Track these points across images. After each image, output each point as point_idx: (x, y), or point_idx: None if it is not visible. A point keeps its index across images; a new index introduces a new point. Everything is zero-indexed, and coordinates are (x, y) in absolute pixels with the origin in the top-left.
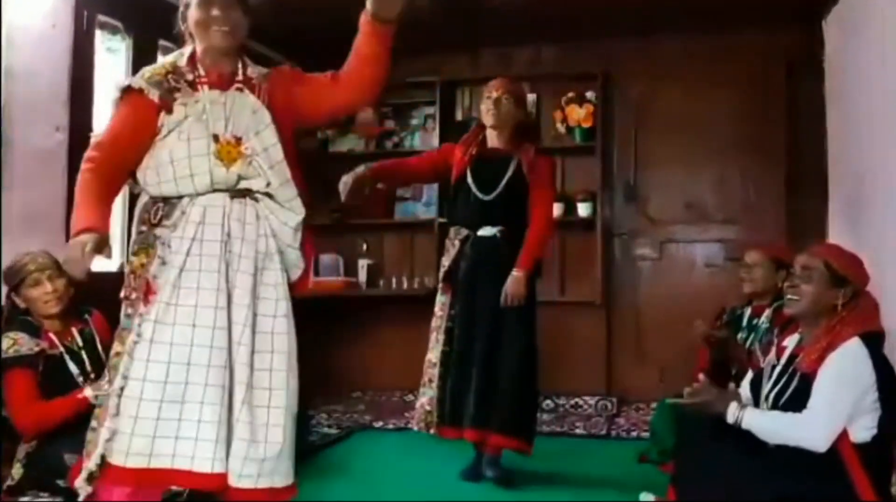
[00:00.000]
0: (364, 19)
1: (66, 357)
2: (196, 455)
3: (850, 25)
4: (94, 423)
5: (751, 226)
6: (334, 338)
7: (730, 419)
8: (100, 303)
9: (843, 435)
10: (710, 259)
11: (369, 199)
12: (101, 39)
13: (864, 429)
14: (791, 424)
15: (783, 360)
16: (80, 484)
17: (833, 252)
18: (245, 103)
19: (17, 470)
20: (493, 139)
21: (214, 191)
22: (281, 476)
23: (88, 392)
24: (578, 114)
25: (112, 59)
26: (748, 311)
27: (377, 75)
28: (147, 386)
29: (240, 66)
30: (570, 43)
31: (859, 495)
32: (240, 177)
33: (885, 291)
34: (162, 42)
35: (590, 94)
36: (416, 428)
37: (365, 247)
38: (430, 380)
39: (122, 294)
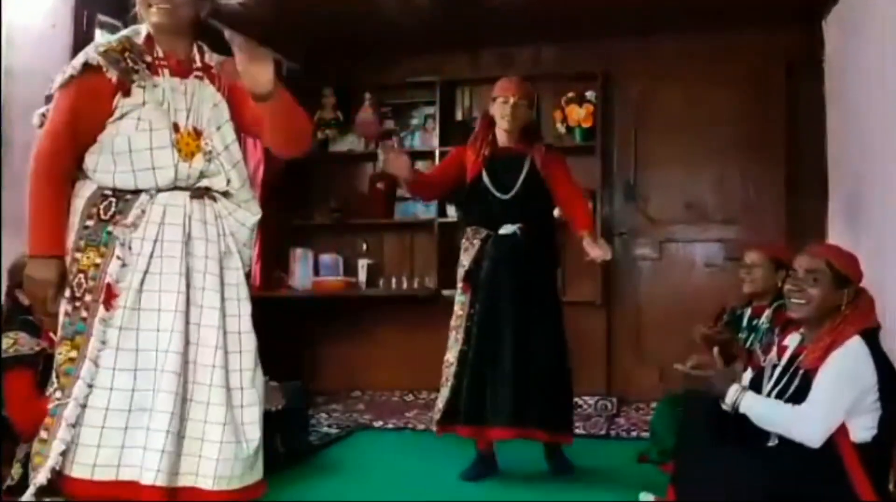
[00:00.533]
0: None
1: None
2: (160, 468)
3: (851, 25)
4: (43, 434)
5: (750, 226)
6: (334, 338)
7: (729, 400)
8: None
9: (844, 434)
10: (709, 259)
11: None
12: (101, 38)
13: (864, 429)
14: (788, 415)
15: (784, 360)
16: (28, 498)
17: (833, 252)
18: (205, 94)
19: (16, 471)
20: (503, 139)
21: (175, 188)
22: (257, 473)
23: None
24: (578, 113)
25: None
26: (748, 312)
27: (290, 133)
28: (114, 394)
29: (196, 51)
30: (570, 43)
31: (859, 495)
32: (201, 174)
33: (885, 290)
34: None
35: (590, 94)
36: (434, 430)
37: (365, 246)
38: (447, 380)
39: (66, 293)
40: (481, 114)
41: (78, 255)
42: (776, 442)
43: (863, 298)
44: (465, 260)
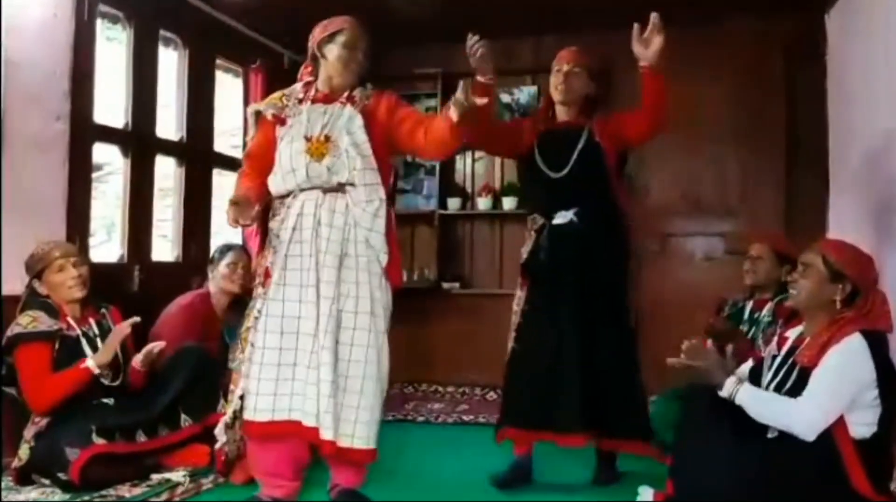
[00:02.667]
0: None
1: (83, 341)
2: (307, 410)
3: (853, 18)
4: (231, 386)
5: (750, 220)
6: None
7: (724, 392)
8: (105, 294)
9: (843, 430)
10: (709, 252)
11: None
12: (102, 28)
13: (863, 425)
14: (784, 409)
15: (783, 351)
16: (218, 431)
17: (834, 248)
18: (342, 112)
19: (24, 452)
20: (561, 114)
21: (312, 187)
22: (360, 440)
23: (90, 362)
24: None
25: (112, 47)
26: (749, 304)
27: (455, 147)
28: (266, 352)
29: (348, 90)
30: (570, 34)
31: (858, 491)
32: (329, 170)
33: (886, 284)
34: (163, 32)
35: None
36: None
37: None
38: (505, 381)
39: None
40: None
41: (264, 252)
42: (775, 434)
43: (873, 299)
44: (524, 252)
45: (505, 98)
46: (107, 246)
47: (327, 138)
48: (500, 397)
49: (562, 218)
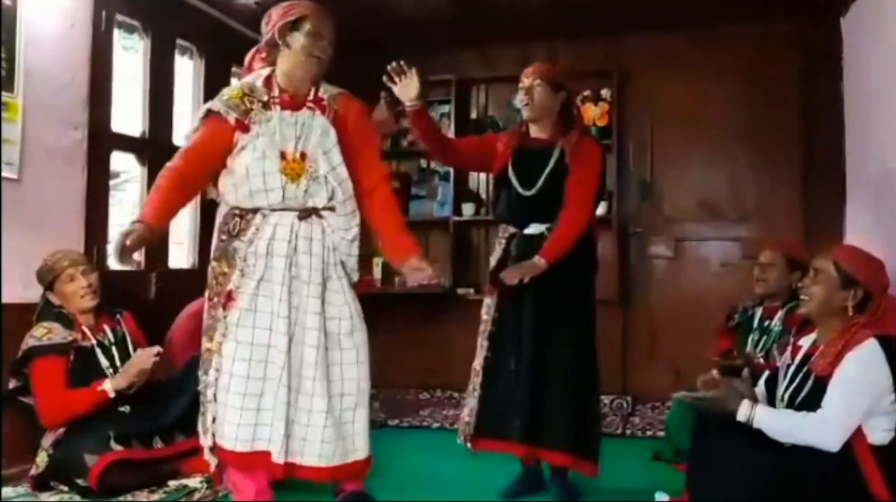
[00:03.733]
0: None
1: (98, 350)
2: (274, 439)
3: (869, 20)
4: (201, 407)
5: (766, 225)
6: None
7: (741, 417)
8: (122, 302)
9: (860, 436)
10: (725, 257)
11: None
12: (118, 38)
13: (881, 431)
14: (804, 424)
15: (797, 360)
16: (208, 457)
17: (845, 253)
18: (315, 124)
19: (42, 459)
20: (535, 131)
21: (285, 209)
22: (358, 452)
23: (107, 385)
24: (594, 112)
25: (129, 57)
26: (759, 312)
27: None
28: (234, 379)
29: (312, 88)
30: (585, 40)
31: (875, 496)
32: (305, 193)
33: None
34: (179, 41)
35: (605, 93)
36: (459, 441)
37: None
38: (473, 390)
39: (206, 295)
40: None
41: (214, 264)
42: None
43: (885, 305)
44: (493, 260)
45: (520, 101)
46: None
47: (303, 156)
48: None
49: (534, 229)
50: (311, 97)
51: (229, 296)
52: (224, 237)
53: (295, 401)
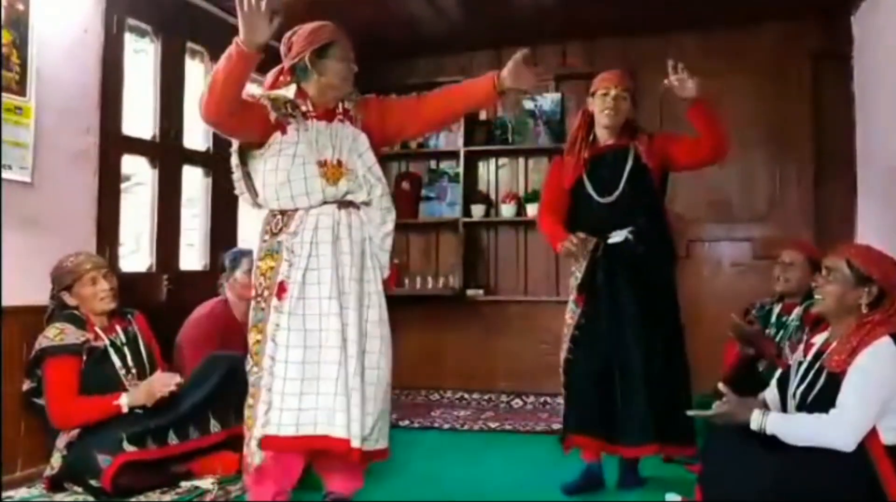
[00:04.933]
0: (488, 85)
1: (111, 351)
2: (336, 423)
3: (880, 19)
4: (250, 400)
5: (778, 225)
6: None
7: (754, 426)
8: (134, 303)
9: (874, 435)
10: (736, 258)
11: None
12: (130, 41)
13: (894, 430)
14: (817, 426)
15: (810, 357)
16: (254, 450)
17: (857, 251)
18: (346, 133)
19: (56, 460)
20: (603, 136)
21: (325, 203)
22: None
23: (123, 400)
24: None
25: (139, 59)
26: (777, 308)
27: (457, 118)
28: (289, 366)
29: (340, 102)
30: (595, 41)
31: (889, 496)
32: (346, 192)
33: None
34: (189, 44)
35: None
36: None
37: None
38: (563, 391)
39: (252, 293)
40: (580, 112)
41: (260, 264)
42: None
43: None
44: (579, 271)
45: (528, 105)
46: (135, 255)
47: (339, 163)
48: (562, 405)
49: (617, 236)
50: (339, 110)
51: (282, 287)
52: (267, 237)
53: (349, 384)
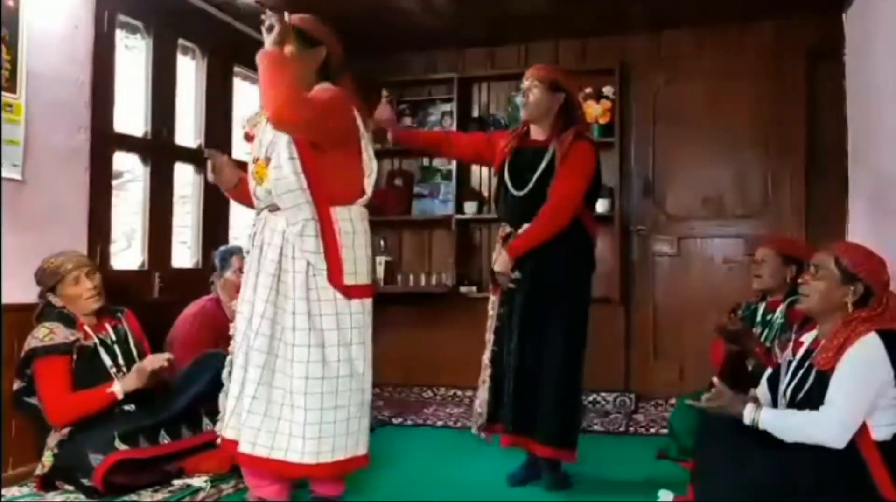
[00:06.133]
0: None
1: (101, 349)
2: (231, 424)
3: (872, 18)
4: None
5: (770, 222)
6: None
7: (746, 420)
8: (126, 301)
9: (865, 432)
10: (728, 255)
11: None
12: (121, 38)
13: (884, 426)
14: (808, 422)
15: (799, 356)
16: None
17: (846, 249)
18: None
19: (47, 458)
20: (534, 132)
21: (266, 207)
22: (296, 453)
23: (116, 387)
24: (596, 110)
25: (131, 56)
26: (762, 307)
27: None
28: (234, 369)
29: None
30: (587, 38)
31: (881, 493)
32: (269, 194)
33: None
34: (181, 41)
35: (607, 90)
36: (473, 432)
37: (382, 243)
38: (483, 382)
39: None
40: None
41: None
42: None
43: (886, 301)
44: (494, 257)
45: (521, 102)
46: (127, 253)
47: (268, 160)
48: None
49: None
50: None
51: (236, 288)
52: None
53: (241, 384)
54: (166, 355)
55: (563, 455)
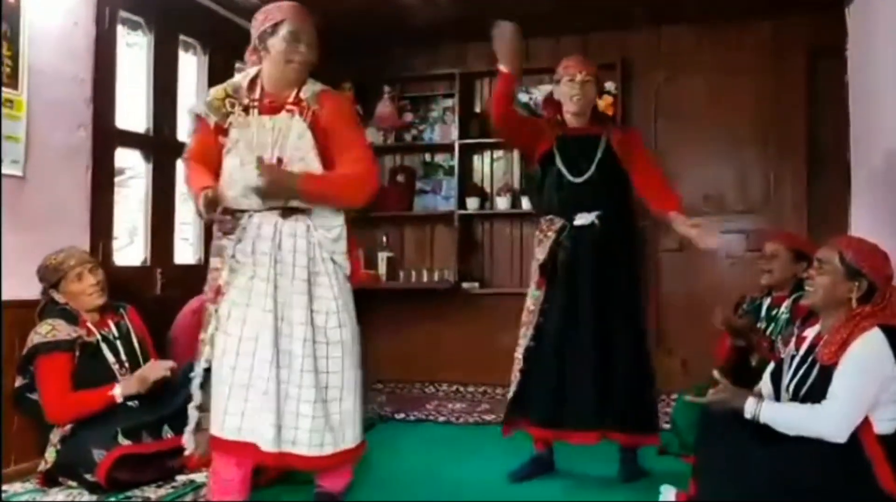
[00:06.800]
0: None
1: (103, 345)
2: (261, 433)
3: (874, 13)
4: (192, 397)
5: (772, 217)
6: None
7: (748, 414)
8: (128, 297)
9: (867, 426)
10: (730, 250)
11: None
12: (122, 34)
13: (887, 421)
14: (810, 416)
15: (802, 351)
16: (187, 440)
17: (849, 244)
18: (291, 127)
19: (50, 454)
20: (573, 122)
21: (269, 209)
22: (347, 441)
23: (117, 391)
24: (598, 105)
25: (132, 53)
26: (767, 301)
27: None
28: (222, 370)
29: (295, 90)
30: (589, 33)
31: (883, 487)
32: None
33: None
34: (182, 37)
35: (609, 85)
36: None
37: (385, 239)
38: (515, 377)
39: (205, 288)
40: (544, 100)
41: (211, 260)
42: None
43: (890, 296)
44: (540, 253)
45: (523, 97)
46: (129, 249)
47: (280, 161)
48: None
49: (583, 219)
50: (291, 99)
51: (218, 291)
52: (219, 234)
53: (285, 393)
54: (169, 364)
55: (652, 440)
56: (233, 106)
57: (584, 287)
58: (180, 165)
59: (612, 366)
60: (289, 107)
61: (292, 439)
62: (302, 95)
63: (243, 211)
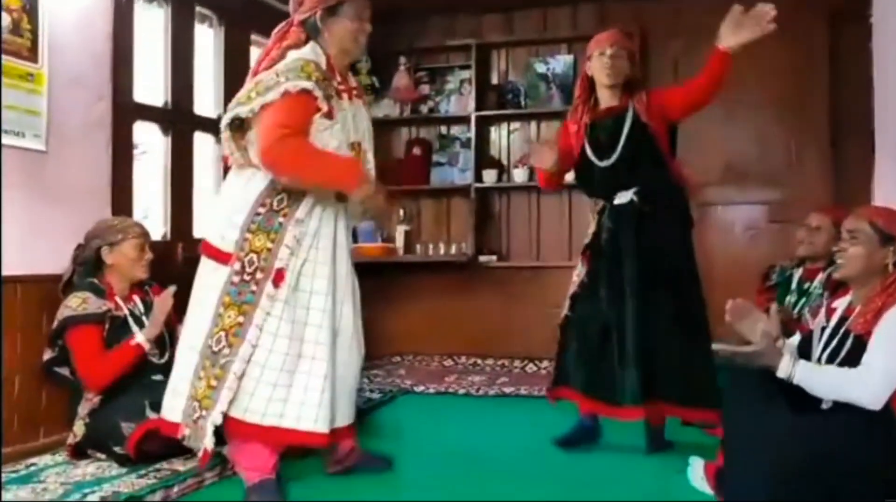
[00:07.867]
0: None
1: (130, 320)
2: (301, 416)
3: None
4: (213, 382)
5: (794, 188)
6: (372, 304)
7: (781, 373)
8: (155, 272)
9: None
10: (751, 222)
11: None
12: (139, 7)
13: None
14: (845, 380)
15: (833, 322)
16: (208, 434)
17: (879, 212)
18: (363, 114)
19: (79, 428)
20: (606, 98)
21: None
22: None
23: (139, 338)
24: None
25: (149, 26)
26: (798, 273)
27: None
28: (272, 356)
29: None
30: (606, 3)
31: None
32: None
33: None
34: (199, 9)
35: None
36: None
37: (402, 212)
38: (558, 346)
39: (236, 267)
40: (579, 78)
41: (248, 236)
42: (829, 404)
43: None
44: (588, 234)
45: (541, 68)
46: (146, 223)
47: (359, 146)
48: (553, 362)
49: (622, 198)
50: (353, 84)
51: (280, 275)
52: (262, 210)
53: (334, 374)
54: (171, 288)
55: (708, 415)
56: (329, 87)
57: (625, 261)
58: (269, 141)
59: (660, 341)
60: (356, 92)
61: (344, 415)
62: (352, 82)
63: (301, 192)
